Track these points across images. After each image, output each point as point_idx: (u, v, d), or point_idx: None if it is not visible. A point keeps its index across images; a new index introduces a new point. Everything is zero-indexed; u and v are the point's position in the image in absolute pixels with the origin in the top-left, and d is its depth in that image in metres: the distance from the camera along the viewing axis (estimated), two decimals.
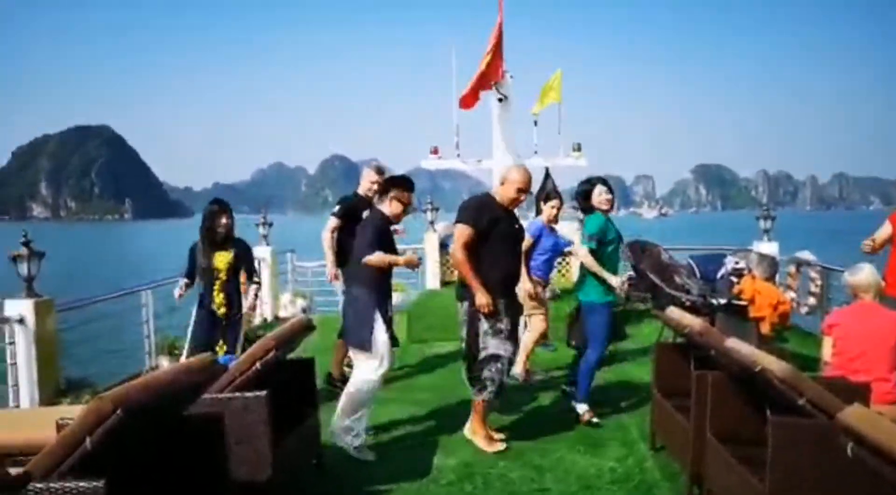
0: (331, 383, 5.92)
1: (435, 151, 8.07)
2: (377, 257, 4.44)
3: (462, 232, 4.36)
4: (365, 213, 5.26)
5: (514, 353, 4.62)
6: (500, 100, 7.59)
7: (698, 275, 7.58)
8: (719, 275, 7.40)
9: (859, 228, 5.32)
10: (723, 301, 6.78)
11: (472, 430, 4.50)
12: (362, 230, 4.65)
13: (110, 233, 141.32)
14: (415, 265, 4.92)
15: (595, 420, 4.90)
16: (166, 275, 8.34)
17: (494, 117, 7.65)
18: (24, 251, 5.46)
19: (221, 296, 5.29)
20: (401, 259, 4.66)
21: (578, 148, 8.01)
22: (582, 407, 4.97)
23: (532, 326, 6.06)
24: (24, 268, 5.47)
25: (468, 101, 7.41)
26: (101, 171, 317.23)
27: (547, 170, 7.99)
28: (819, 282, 8.26)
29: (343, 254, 5.77)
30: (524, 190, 4.51)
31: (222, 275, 5.29)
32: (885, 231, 5.21)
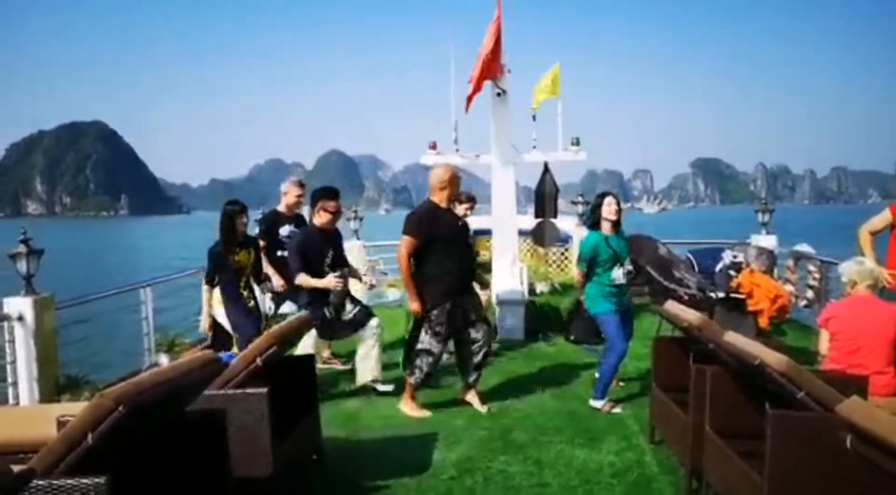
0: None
1: (433, 146, 8.06)
2: (302, 279, 5.30)
3: (404, 242, 4.92)
4: (285, 228, 6.25)
5: (443, 352, 5.16)
6: (499, 94, 7.57)
7: (697, 268, 7.62)
8: (717, 268, 7.42)
9: (857, 222, 5.30)
10: (721, 294, 6.81)
11: (404, 401, 5.15)
12: (292, 246, 5.40)
13: (106, 229, 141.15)
14: (334, 287, 5.40)
15: (617, 410, 5.09)
16: (164, 271, 8.34)
17: (492, 112, 7.63)
18: (22, 249, 5.46)
19: (247, 292, 5.61)
20: (321, 282, 5.30)
21: (577, 142, 7.99)
22: (599, 403, 5.12)
23: None
24: (22, 266, 5.48)
25: (468, 101, 7.39)
26: (96, 168, 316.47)
27: (546, 164, 7.98)
28: (817, 276, 8.28)
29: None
30: (448, 187, 5.03)
31: (248, 272, 5.63)
32: (883, 219, 5.08)
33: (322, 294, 5.34)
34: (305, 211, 6.26)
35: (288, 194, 6.41)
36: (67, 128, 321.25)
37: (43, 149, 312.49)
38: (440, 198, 5.05)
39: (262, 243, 6.13)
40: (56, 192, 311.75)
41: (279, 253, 6.20)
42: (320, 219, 5.44)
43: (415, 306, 4.97)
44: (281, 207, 6.44)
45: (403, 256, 4.91)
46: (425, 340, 5.00)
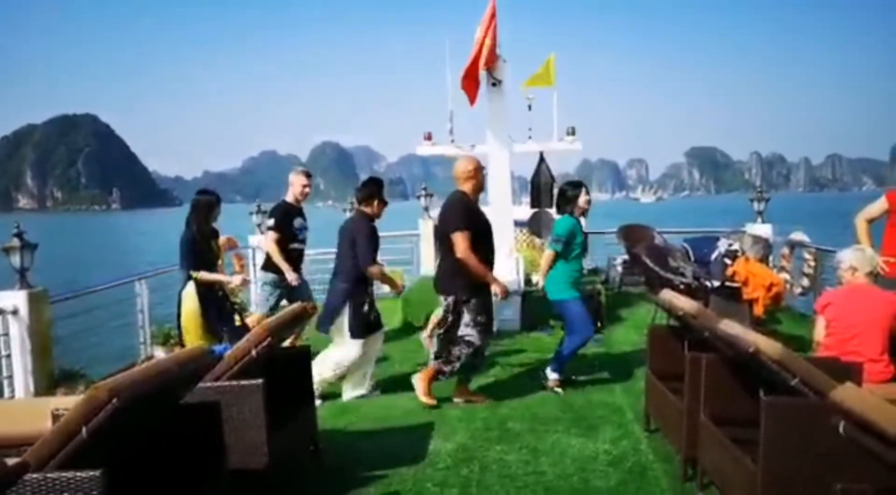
0: None
1: (429, 137, 8.04)
2: (377, 270, 5.26)
3: (462, 238, 4.79)
4: (297, 220, 6.14)
5: (485, 345, 5.18)
6: (494, 84, 7.55)
7: (692, 257, 7.62)
8: (713, 257, 7.43)
9: (852, 209, 5.30)
10: (716, 283, 6.81)
11: (422, 387, 5.01)
12: (351, 235, 5.17)
13: (98, 223, 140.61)
14: (396, 288, 5.74)
15: (558, 390, 5.26)
16: (157, 265, 8.32)
17: (488, 102, 7.62)
18: (16, 242, 5.45)
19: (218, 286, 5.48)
20: (390, 277, 5.54)
21: (573, 132, 7.99)
22: (553, 376, 5.30)
23: None
24: (17, 260, 5.47)
25: (471, 93, 7.35)
26: (87, 161, 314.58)
27: (541, 154, 7.97)
28: (812, 264, 8.30)
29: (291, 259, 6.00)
30: (474, 177, 5.04)
31: (219, 262, 5.56)
32: (879, 206, 5.07)
33: (366, 289, 5.27)
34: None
35: (294, 184, 6.20)
36: (58, 122, 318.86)
37: (33, 142, 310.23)
38: (468, 189, 5.02)
39: (275, 235, 5.99)
40: (47, 186, 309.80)
41: (293, 245, 6.12)
42: (375, 209, 5.32)
43: (501, 287, 4.93)
44: (289, 198, 6.22)
45: (467, 250, 4.78)
46: (466, 330, 4.91)
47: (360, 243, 5.14)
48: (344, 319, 5.14)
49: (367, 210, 5.30)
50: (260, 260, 9.69)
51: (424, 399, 5.00)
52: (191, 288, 5.28)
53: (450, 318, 4.95)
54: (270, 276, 6.13)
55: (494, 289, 4.92)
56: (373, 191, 5.33)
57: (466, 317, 4.90)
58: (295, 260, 6.13)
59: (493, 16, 7.14)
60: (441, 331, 5.10)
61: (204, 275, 5.27)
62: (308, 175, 6.38)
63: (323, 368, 5.13)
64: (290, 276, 5.98)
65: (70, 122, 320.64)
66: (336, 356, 5.20)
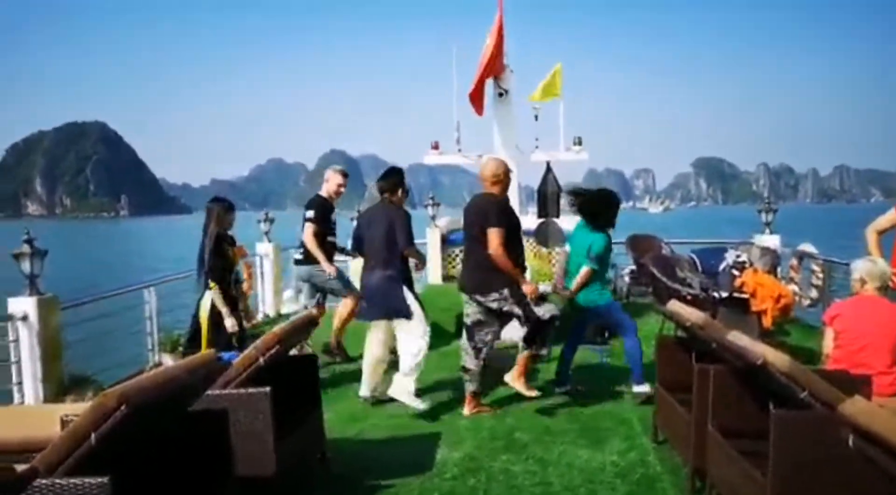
0: (329, 353, 6.36)
1: (436, 146, 8.06)
2: (414, 249, 5.41)
3: (498, 234, 4.78)
4: (333, 214, 6.36)
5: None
6: (501, 94, 7.58)
7: (700, 268, 7.60)
8: (721, 268, 7.41)
9: (860, 220, 5.28)
10: (724, 294, 6.79)
11: (516, 378, 4.97)
12: (392, 222, 5.26)
13: (106, 230, 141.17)
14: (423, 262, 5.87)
15: (645, 389, 5.23)
16: (166, 272, 8.36)
17: (495, 112, 7.64)
18: (26, 249, 5.48)
19: (234, 290, 5.51)
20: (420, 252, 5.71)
21: (579, 142, 8.00)
22: (643, 388, 5.26)
23: None
24: (26, 266, 5.50)
25: (478, 104, 7.39)
26: (96, 168, 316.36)
27: (548, 164, 7.98)
28: (821, 275, 8.26)
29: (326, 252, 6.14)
30: (504, 180, 5.06)
31: (235, 269, 5.56)
32: (889, 218, 5.05)
33: (409, 279, 5.48)
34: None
35: (331, 181, 6.37)
36: (67, 129, 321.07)
37: (43, 149, 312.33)
38: (497, 192, 5.03)
39: (314, 228, 6.11)
40: (56, 193, 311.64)
41: (329, 238, 6.27)
42: (399, 199, 5.49)
43: (531, 287, 4.87)
44: (324, 193, 6.39)
45: (501, 247, 4.76)
46: (543, 308, 4.85)
47: (401, 226, 5.26)
48: (402, 304, 5.18)
49: (394, 199, 5.43)
50: (267, 267, 9.75)
51: (530, 393, 4.98)
52: (210, 296, 5.27)
53: (516, 311, 4.86)
54: (304, 269, 6.32)
55: (525, 289, 4.85)
56: (396, 181, 5.45)
57: (531, 301, 4.84)
58: (329, 252, 6.30)
59: (500, 26, 7.17)
60: (492, 330, 5.06)
61: (216, 293, 5.24)
62: (345, 175, 6.52)
63: (407, 373, 5.10)
64: (328, 268, 6.16)
65: (79, 129, 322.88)
66: (412, 347, 5.12)
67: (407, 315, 5.17)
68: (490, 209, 4.90)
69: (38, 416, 3.61)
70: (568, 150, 8.02)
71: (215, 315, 5.26)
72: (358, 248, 5.60)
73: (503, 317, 5.04)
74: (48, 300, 5.58)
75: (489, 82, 7.46)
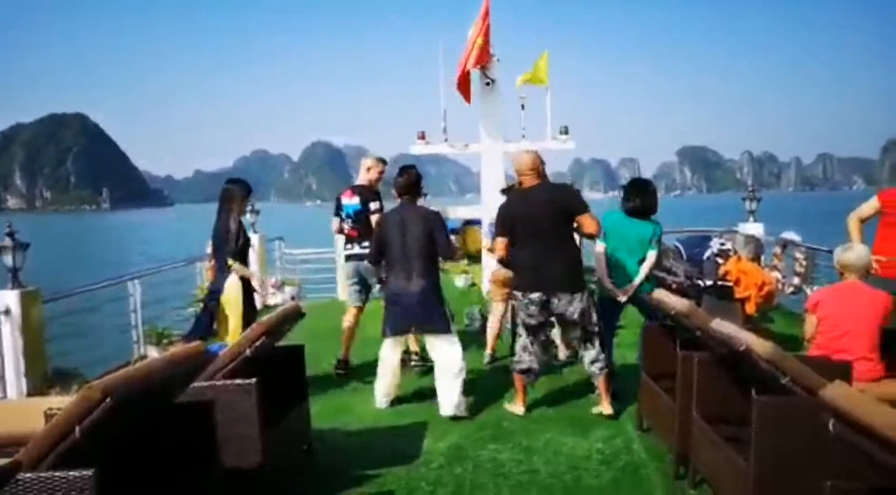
0: (341, 367, 5.92)
1: (422, 136, 8.04)
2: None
3: (594, 218, 4.72)
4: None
5: None
6: (488, 84, 7.57)
7: (684, 256, 7.63)
8: (705, 256, 7.44)
9: (843, 209, 5.32)
10: (709, 282, 6.83)
11: (606, 401, 4.70)
12: (432, 227, 4.88)
13: (88, 223, 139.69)
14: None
15: None
16: (150, 265, 8.30)
17: (481, 101, 7.63)
18: (8, 242, 5.43)
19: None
20: None
21: (566, 131, 8.00)
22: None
23: (494, 310, 6.18)
24: (8, 259, 5.45)
25: (465, 92, 7.36)
26: (77, 160, 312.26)
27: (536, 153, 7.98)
28: (804, 263, 8.34)
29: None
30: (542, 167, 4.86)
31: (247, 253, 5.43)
32: (871, 206, 5.06)
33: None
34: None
35: (371, 169, 6.02)
36: (47, 121, 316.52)
37: (22, 142, 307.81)
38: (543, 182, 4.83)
39: (379, 217, 5.55)
40: (36, 186, 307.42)
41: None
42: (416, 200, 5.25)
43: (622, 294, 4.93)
44: (365, 182, 6.03)
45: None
46: (598, 322, 4.79)
47: (444, 233, 4.95)
48: (444, 321, 4.86)
49: (415, 200, 5.11)
50: (254, 260, 9.70)
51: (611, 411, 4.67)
52: (235, 277, 5.16)
53: (588, 314, 4.68)
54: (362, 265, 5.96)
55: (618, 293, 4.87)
56: (416, 180, 5.09)
57: (593, 309, 4.74)
58: None
59: (486, 15, 7.15)
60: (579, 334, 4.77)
61: (239, 267, 5.15)
62: (384, 162, 6.19)
63: (458, 391, 4.78)
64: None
65: (59, 121, 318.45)
66: (455, 364, 4.79)
67: (447, 330, 4.86)
68: (573, 195, 4.78)
69: (21, 410, 3.59)
70: (554, 140, 8.02)
71: (244, 292, 5.17)
72: (378, 258, 5.12)
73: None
74: (30, 293, 5.53)
75: (476, 72, 7.45)
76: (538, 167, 4.78)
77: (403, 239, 4.84)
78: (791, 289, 8.43)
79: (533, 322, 4.71)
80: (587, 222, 4.64)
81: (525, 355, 4.79)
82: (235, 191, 5.29)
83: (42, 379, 5.51)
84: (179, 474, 2.74)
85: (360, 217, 5.84)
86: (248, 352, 3.49)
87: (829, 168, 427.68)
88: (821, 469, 2.40)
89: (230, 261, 5.13)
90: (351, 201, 5.93)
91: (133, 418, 2.53)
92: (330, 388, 5.49)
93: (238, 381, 3.28)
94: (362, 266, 5.77)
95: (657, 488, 3.62)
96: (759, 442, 2.69)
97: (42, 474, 2.01)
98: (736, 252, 7.24)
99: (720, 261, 6.97)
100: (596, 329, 4.72)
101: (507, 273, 5.35)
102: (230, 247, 5.14)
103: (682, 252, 7.83)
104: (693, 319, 3.67)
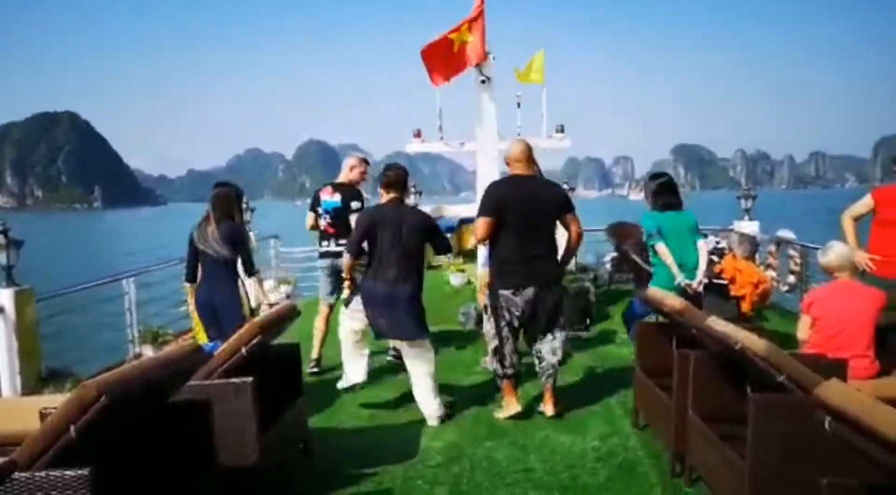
0: (314, 366, 5.98)
1: (417, 134, 8.02)
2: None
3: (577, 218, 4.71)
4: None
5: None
6: (483, 82, 7.56)
7: None
8: None
9: (836, 206, 5.34)
10: (704, 281, 6.84)
11: (550, 402, 4.71)
12: (427, 228, 4.78)
13: (79, 222, 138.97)
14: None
15: None
16: (143, 264, 8.27)
17: (477, 99, 7.62)
18: (1, 240, 5.40)
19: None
20: None
21: (562, 129, 7.98)
22: None
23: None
24: (2, 257, 5.42)
25: (435, 70, 7.30)
26: (68, 159, 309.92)
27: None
28: (799, 261, 8.38)
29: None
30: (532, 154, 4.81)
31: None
32: (864, 204, 5.00)
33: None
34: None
35: (354, 169, 6.07)
36: (38, 119, 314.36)
37: (13, 140, 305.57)
38: (533, 172, 4.86)
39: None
40: (27, 185, 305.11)
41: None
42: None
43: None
44: (345, 180, 6.05)
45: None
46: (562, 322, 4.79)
47: (439, 232, 4.90)
48: (422, 328, 4.71)
49: (404, 198, 5.00)
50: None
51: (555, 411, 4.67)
52: (254, 284, 5.30)
53: (562, 305, 4.65)
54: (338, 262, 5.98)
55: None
56: (405, 176, 4.90)
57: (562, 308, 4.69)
58: None
59: (480, 12, 7.14)
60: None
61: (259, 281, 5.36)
62: (367, 162, 6.32)
63: (432, 394, 4.70)
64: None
65: (50, 119, 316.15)
66: (427, 368, 4.70)
67: (423, 336, 4.71)
68: (564, 192, 4.82)
69: (16, 409, 3.57)
70: (550, 138, 8.01)
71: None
72: (359, 249, 4.82)
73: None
74: (24, 291, 5.51)
75: (472, 70, 7.43)
76: (530, 156, 4.70)
77: (387, 237, 4.61)
78: (786, 287, 8.47)
79: (516, 323, 4.59)
80: (575, 222, 4.64)
81: (514, 358, 4.65)
82: (229, 194, 5.19)
83: (36, 378, 5.49)
84: (175, 473, 2.73)
85: (340, 215, 5.85)
86: (243, 350, 3.48)
87: (821, 166, 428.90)
88: (816, 466, 2.41)
89: (253, 269, 5.20)
90: (332, 198, 5.93)
91: (128, 417, 2.52)
92: (326, 387, 5.48)
93: (234, 380, 3.27)
94: (337, 263, 5.71)
95: (653, 486, 3.63)
96: (755, 439, 2.70)
97: (37, 473, 2.00)
98: (731, 250, 7.26)
99: (715, 259, 6.99)
100: (562, 319, 4.69)
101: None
102: (248, 255, 5.15)
103: None
104: (688, 317, 3.68)
